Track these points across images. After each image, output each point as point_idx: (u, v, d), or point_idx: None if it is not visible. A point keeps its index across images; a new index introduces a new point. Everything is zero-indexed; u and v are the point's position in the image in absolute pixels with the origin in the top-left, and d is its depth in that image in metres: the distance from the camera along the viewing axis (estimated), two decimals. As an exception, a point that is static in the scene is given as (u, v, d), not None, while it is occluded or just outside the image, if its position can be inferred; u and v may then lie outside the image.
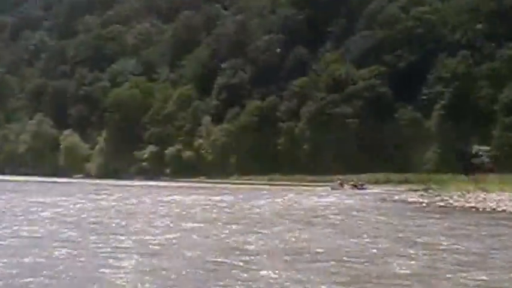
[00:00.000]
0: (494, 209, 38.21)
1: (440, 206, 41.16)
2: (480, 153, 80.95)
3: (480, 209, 38.33)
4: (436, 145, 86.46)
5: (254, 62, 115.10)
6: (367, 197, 53.55)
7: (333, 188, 72.24)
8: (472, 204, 40.09)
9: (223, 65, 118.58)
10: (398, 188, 64.82)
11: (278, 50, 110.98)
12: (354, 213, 36.26)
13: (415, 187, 61.83)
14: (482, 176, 61.25)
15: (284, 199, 48.53)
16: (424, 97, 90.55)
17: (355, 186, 73.19)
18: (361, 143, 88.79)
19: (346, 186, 73.26)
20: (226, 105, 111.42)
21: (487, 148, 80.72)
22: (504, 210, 37.09)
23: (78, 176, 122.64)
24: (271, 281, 14.19)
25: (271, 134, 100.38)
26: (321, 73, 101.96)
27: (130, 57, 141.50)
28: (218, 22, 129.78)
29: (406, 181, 76.76)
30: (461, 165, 75.44)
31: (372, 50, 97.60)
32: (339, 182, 76.40)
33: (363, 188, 71.61)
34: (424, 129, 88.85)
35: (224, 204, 39.93)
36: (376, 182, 79.90)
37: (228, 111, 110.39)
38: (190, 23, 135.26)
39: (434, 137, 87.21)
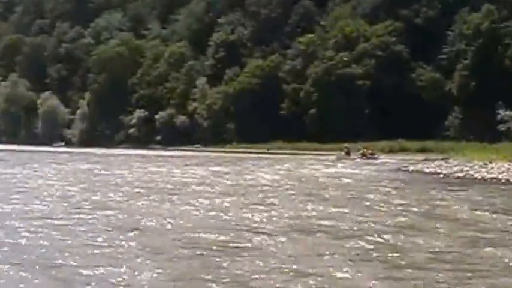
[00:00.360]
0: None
1: (459, 177, 41.83)
2: (506, 118, 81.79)
3: (503, 180, 38.99)
4: (457, 110, 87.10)
5: (255, 16, 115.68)
6: (377, 167, 54.11)
7: (338, 158, 71.11)
8: (494, 175, 40.77)
9: (220, 20, 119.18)
10: (415, 157, 64.99)
11: None
12: (363, 184, 36.91)
13: (433, 156, 62.38)
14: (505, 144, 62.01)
15: (284, 170, 49.14)
16: (445, 56, 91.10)
17: (363, 155, 71.55)
18: (374, 108, 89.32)
19: (353, 155, 71.88)
20: (224, 64, 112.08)
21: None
22: None
23: (59, 144, 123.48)
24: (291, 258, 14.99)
25: (273, 97, 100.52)
26: (329, 29, 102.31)
27: (117, 11, 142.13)
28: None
29: (424, 150, 76.66)
30: (486, 132, 76.17)
31: (386, 4, 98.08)
32: (345, 150, 75.04)
33: (373, 158, 70.33)
34: (445, 92, 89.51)
35: (224, 177, 40.61)
36: (391, 151, 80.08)
37: (225, 71, 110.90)
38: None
39: (455, 100, 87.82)
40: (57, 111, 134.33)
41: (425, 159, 57.86)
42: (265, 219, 20.91)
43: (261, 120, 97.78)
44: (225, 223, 20.30)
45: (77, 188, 32.20)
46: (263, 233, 18.23)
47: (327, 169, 50.71)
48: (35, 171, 45.90)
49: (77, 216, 21.70)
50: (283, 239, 17.30)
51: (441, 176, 43.47)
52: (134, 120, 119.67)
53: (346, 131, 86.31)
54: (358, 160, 68.00)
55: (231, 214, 22.31)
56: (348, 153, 72.84)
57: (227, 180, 38.33)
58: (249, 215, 22.10)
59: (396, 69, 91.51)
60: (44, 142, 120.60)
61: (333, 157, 71.34)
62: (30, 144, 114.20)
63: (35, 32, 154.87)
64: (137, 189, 31.24)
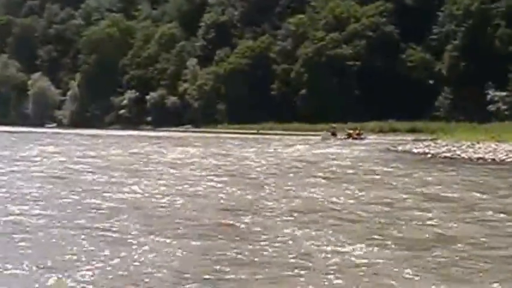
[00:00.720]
0: (503, 160, 38.95)
1: (446, 157, 41.97)
2: (496, 98, 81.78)
3: (488, 160, 39.11)
4: (447, 90, 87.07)
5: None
6: (364, 147, 53.80)
7: (324, 138, 70.05)
8: (480, 155, 41.01)
9: (210, 1, 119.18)
10: (405, 138, 65.00)
11: None
12: (348, 163, 36.65)
13: (423, 137, 62.30)
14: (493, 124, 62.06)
15: (274, 150, 48.91)
16: (435, 37, 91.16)
17: (350, 135, 70.47)
18: (364, 88, 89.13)
19: (340, 136, 70.75)
20: (214, 45, 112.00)
21: (504, 94, 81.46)
22: None
23: (51, 125, 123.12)
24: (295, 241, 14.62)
25: (264, 77, 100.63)
26: (320, 10, 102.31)
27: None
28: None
29: (414, 130, 76.86)
30: (476, 112, 76.15)
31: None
32: (331, 130, 74.21)
33: (360, 138, 69.38)
34: (435, 72, 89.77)
35: (217, 158, 40.24)
36: (381, 131, 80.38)
37: (216, 52, 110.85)
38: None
39: (445, 80, 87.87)
40: (47, 93, 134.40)
41: (415, 140, 57.74)
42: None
43: (252, 101, 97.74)
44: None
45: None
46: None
47: (315, 150, 50.18)
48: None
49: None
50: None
51: (429, 156, 43.54)
52: (125, 101, 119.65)
53: (337, 111, 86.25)
54: (345, 140, 66.87)
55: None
56: (334, 134, 71.99)
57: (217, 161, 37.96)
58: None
59: (386, 49, 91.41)
60: (34, 123, 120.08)
61: (319, 138, 70.66)
62: (21, 125, 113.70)
63: (25, 13, 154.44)
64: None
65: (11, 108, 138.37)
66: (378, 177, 28.46)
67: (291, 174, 29.43)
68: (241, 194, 21.77)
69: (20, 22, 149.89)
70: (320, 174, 29.38)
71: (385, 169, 32.47)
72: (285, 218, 16.89)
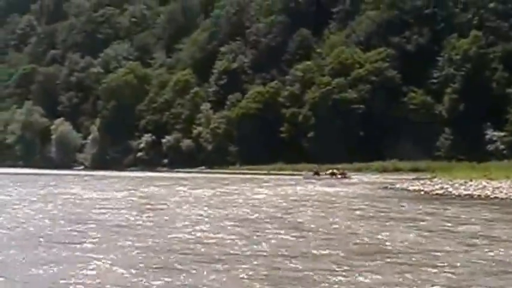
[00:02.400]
0: (488, 196, 39.45)
1: (438, 194, 42.38)
2: (494, 138, 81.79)
3: (475, 196, 39.75)
4: (448, 131, 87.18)
5: (255, 45, 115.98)
6: (365, 186, 54.06)
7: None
8: (469, 192, 41.46)
9: (222, 49, 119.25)
10: (401, 177, 64.93)
11: None
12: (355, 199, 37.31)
13: (424, 175, 62.24)
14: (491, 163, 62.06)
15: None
16: (435, 80, 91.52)
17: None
18: (369, 130, 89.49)
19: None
20: (226, 91, 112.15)
21: (502, 134, 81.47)
22: (496, 197, 38.42)
23: (79, 167, 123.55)
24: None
25: (273, 121, 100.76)
26: (326, 56, 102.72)
27: (124, 42, 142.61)
28: (216, 3, 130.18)
29: (416, 169, 76.51)
30: (475, 151, 76.08)
31: (379, 32, 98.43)
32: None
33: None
34: (435, 114, 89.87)
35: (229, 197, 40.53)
36: (385, 171, 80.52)
37: (228, 97, 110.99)
38: (186, 4, 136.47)
39: (445, 122, 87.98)
40: (69, 137, 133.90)
41: (415, 178, 57.73)
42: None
43: (262, 143, 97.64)
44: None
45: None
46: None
47: (319, 188, 50.55)
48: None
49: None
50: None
51: (422, 193, 43.74)
52: (142, 144, 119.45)
53: (343, 152, 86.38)
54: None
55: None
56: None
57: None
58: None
59: (389, 93, 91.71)
60: (58, 165, 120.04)
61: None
62: (45, 167, 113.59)
63: (48, 62, 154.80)
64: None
65: (35, 152, 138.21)
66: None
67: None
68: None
69: (43, 70, 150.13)
70: (341, 211, 30.66)
71: (382, 205, 33.51)
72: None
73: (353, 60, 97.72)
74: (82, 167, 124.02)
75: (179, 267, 16.11)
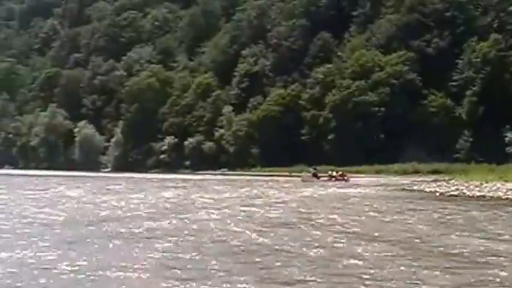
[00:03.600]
0: (500, 197, 40.28)
1: (452, 195, 43.25)
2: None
3: (487, 198, 40.53)
4: (467, 133, 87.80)
5: (276, 48, 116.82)
6: (381, 187, 54.57)
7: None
8: (483, 193, 42.31)
9: (243, 52, 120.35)
10: (420, 179, 64.64)
11: None
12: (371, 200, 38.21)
13: (443, 177, 62.88)
14: (510, 166, 62.53)
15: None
16: (455, 83, 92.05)
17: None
18: (388, 132, 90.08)
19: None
20: (248, 94, 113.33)
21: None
22: (507, 198, 39.27)
23: (106, 169, 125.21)
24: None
25: (294, 123, 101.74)
26: (346, 59, 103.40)
27: (147, 45, 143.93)
28: (238, 7, 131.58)
29: (436, 172, 76.67)
30: (494, 154, 76.63)
31: (399, 35, 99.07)
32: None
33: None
34: (455, 117, 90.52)
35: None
36: (405, 173, 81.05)
37: (249, 100, 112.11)
38: (208, 8, 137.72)
39: (465, 125, 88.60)
40: (92, 139, 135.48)
41: (434, 180, 58.39)
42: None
43: (283, 145, 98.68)
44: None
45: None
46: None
47: (339, 190, 51.40)
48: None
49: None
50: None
51: (437, 194, 44.83)
52: (165, 147, 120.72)
53: (363, 154, 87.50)
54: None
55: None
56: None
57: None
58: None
59: (409, 96, 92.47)
60: (81, 168, 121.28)
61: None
62: (69, 169, 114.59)
63: (71, 65, 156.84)
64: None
65: (58, 154, 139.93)
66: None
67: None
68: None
69: (67, 74, 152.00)
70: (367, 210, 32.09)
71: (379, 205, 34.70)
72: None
73: (373, 63, 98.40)
74: (109, 169, 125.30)
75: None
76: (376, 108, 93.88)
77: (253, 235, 22.32)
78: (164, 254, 18.28)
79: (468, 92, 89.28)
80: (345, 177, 67.92)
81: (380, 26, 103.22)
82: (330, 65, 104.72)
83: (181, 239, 21.43)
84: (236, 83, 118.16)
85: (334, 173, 69.41)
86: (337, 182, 64.27)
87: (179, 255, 18.16)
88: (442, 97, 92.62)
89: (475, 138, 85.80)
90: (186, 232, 23.06)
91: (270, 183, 63.47)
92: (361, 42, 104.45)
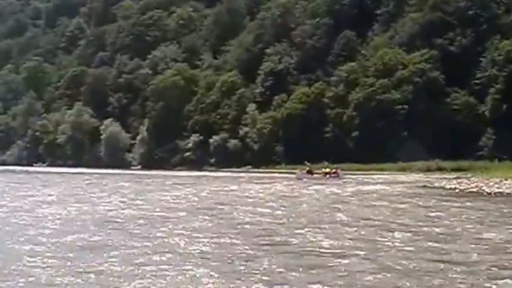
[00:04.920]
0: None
1: (471, 192, 44.33)
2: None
3: (505, 194, 41.69)
4: (490, 131, 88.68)
5: (300, 46, 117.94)
6: (403, 184, 55.40)
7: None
8: (500, 190, 43.40)
9: (268, 51, 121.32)
10: (442, 176, 65.82)
11: None
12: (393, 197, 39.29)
13: (467, 175, 63.67)
14: None
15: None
16: (478, 81, 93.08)
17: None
18: (412, 130, 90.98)
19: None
20: (272, 92, 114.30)
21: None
22: None
23: (137, 167, 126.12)
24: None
25: (318, 121, 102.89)
26: (370, 58, 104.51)
27: (172, 43, 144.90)
28: (262, 6, 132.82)
29: (459, 169, 77.36)
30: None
31: (422, 33, 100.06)
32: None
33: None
34: (478, 115, 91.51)
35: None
36: (428, 170, 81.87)
37: (273, 98, 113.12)
38: (233, 6, 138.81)
39: (488, 122, 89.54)
40: (118, 137, 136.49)
41: (457, 177, 59.33)
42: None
43: (307, 143, 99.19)
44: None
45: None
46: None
47: (361, 187, 52.03)
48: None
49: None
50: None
51: (457, 191, 45.87)
52: (190, 145, 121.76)
53: (387, 152, 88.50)
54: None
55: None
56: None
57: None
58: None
59: (432, 94, 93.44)
60: (107, 165, 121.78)
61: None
62: (95, 167, 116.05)
63: (97, 64, 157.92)
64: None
65: (84, 151, 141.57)
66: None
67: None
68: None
69: (92, 72, 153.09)
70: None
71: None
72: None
73: (396, 61, 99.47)
74: (139, 167, 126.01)
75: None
76: (400, 106, 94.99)
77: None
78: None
79: (491, 90, 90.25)
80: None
81: (403, 24, 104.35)
82: (353, 63, 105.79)
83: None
84: (260, 81, 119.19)
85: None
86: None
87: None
88: (465, 95, 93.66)
89: (498, 135, 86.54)
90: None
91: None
92: (385, 40, 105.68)
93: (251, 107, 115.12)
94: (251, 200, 37.99)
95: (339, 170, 69.87)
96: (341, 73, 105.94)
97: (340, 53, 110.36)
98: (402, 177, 70.31)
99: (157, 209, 31.74)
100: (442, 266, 16.46)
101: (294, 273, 15.57)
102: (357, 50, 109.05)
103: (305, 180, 63.81)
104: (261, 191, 47.14)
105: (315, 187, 51.44)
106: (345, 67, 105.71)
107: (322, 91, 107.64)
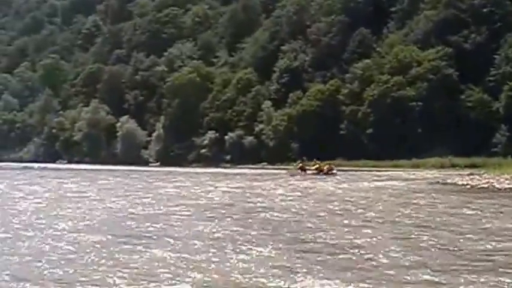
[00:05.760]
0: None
1: (481, 188, 45.32)
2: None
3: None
4: (504, 128, 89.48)
5: (315, 44, 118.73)
6: (417, 181, 56.52)
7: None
8: (511, 186, 44.46)
9: (283, 48, 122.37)
10: (456, 172, 65.89)
11: None
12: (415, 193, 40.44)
13: (477, 171, 64.41)
14: None
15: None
16: (492, 78, 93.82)
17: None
18: (426, 127, 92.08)
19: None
20: (287, 89, 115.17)
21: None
22: None
23: (155, 163, 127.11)
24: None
25: (333, 118, 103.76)
26: (385, 55, 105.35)
27: (188, 41, 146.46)
28: (277, 3, 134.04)
29: (473, 165, 77.43)
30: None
31: (436, 31, 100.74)
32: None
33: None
34: (492, 111, 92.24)
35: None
36: (442, 167, 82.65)
37: (289, 95, 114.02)
38: (248, 4, 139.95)
39: (502, 119, 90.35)
40: (134, 134, 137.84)
41: (470, 174, 60.19)
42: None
43: (323, 140, 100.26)
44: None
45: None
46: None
47: (378, 183, 52.93)
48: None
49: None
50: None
51: (468, 187, 46.96)
52: (206, 141, 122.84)
53: (401, 148, 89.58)
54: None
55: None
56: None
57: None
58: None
59: (447, 91, 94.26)
60: (124, 162, 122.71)
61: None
62: (112, 164, 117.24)
63: (113, 61, 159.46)
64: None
65: (101, 148, 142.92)
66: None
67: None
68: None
69: (109, 70, 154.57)
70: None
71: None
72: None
73: (411, 58, 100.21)
74: (158, 163, 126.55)
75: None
76: (414, 103, 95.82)
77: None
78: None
79: (505, 87, 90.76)
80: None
81: (418, 22, 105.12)
82: (368, 61, 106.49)
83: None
84: (276, 78, 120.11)
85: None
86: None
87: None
88: (479, 92, 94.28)
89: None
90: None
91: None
92: (400, 38, 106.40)
93: (266, 104, 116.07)
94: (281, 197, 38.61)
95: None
96: (356, 70, 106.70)
97: (355, 50, 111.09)
98: (415, 173, 71.03)
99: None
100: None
101: (332, 271, 15.59)
102: (372, 47, 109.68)
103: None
104: (283, 187, 48.08)
105: (331, 183, 52.22)
106: (360, 64, 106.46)
107: (337, 88, 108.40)
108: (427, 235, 21.25)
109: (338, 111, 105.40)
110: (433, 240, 20.12)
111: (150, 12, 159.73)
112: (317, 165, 67.74)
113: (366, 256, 17.51)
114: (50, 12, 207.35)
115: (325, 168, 66.76)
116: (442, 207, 31.25)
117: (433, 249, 18.61)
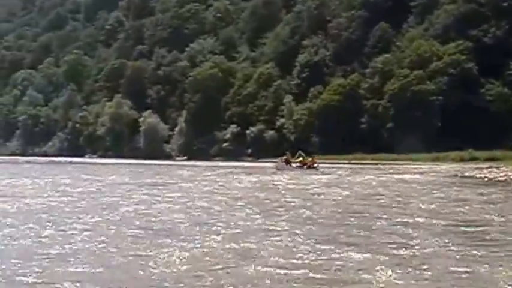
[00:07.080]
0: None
1: (498, 180, 45.56)
2: None
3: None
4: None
5: (336, 38, 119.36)
6: (436, 174, 56.55)
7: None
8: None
9: (304, 43, 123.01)
10: (476, 165, 65.53)
11: None
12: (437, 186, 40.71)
13: (496, 164, 64.08)
14: None
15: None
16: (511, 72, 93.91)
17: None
18: (446, 121, 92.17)
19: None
20: (308, 83, 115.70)
21: None
22: None
23: (182, 158, 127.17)
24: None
25: (353, 112, 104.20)
26: (405, 49, 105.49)
27: (210, 36, 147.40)
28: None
29: (493, 159, 77.76)
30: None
31: (456, 25, 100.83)
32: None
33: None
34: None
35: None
36: (462, 160, 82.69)
37: (309, 89, 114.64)
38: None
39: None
40: (157, 128, 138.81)
41: (489, 167, 60.41)
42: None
43: (343, 134, 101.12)
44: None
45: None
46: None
47: (397, 176, 53.04)
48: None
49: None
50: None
51: (485, 179, 47.24)
52: (227, 135, 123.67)
53: (421, 142, 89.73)
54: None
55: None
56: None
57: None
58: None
59: (467, 85, 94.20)
60: (146, 156, 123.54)
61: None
62: (135, 158, 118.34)
63: (136, 56, 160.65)
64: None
65: (123, 143, 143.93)
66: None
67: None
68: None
69: (131, 65, 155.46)
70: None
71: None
72: None
73: (431, 53, 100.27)
74: (185, 157, 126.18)
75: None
76: (434, 97, 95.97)
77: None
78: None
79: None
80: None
81: (438, 16, 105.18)
82: (388, 55, 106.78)
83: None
84: (297, 72, 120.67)
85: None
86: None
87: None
88: (499, 86, 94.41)
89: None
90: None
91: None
92: (419, 32, 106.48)
93: (287, 98, 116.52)
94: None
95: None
96: (376, 64, 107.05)
97: (376, 44, 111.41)
98: (435, 167, 71.06)
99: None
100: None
101: (377, 268, 14.92)
102: (392, 41, 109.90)
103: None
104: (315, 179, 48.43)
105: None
106: (380, 58, 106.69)
107: (357, 82, 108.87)
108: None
109: (358, 106, 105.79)
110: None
111: (172, 8, 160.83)
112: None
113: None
114: (73, 8, 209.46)
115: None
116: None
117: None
